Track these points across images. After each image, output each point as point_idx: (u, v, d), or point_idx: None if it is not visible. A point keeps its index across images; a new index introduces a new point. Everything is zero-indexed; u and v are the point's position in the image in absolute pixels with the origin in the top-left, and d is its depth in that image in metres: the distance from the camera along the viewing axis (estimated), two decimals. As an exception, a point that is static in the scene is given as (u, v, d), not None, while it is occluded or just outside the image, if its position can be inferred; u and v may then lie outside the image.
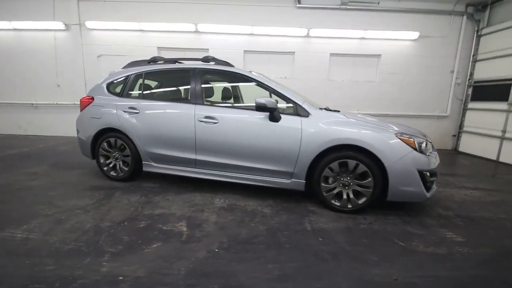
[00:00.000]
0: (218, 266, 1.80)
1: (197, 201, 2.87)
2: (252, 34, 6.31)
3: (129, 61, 3.67)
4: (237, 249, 2.00)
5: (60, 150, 5.20)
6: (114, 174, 3.41)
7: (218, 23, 6.17)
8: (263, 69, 5.61)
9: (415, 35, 6.23)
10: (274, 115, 2.72)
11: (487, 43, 6.02)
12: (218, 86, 3.73)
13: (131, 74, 3.41)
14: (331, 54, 6.43)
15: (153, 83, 3.58)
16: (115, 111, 3.30)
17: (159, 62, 3.47)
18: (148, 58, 3.55)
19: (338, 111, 2.94)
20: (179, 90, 3.57)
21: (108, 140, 3.36)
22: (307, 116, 2.72)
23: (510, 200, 3.30)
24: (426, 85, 6.54)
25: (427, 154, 2.57)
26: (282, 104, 2.87)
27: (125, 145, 3.29)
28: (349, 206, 2.66)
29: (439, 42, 6.33)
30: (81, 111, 3.58)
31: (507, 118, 5.37)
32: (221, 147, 2.91)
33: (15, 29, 6.34)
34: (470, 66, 6.39)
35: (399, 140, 2.50)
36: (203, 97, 3.09)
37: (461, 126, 6.60)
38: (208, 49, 6.35)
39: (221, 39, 6.34)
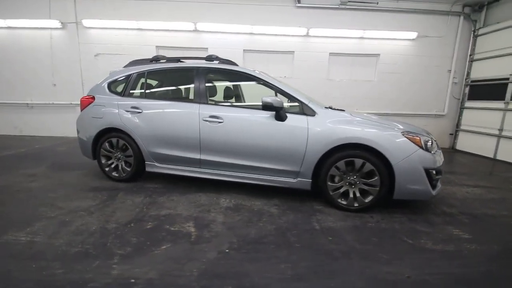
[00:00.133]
0: (230, 266, 1.78)
1: (202, 201, 2.84)
2: (251, 33, 6.29)
3: (128, 60, 3.62)
4: (248, 249, 1.98)
5: (58, 150, 5.11)
6: (116, 175, 3.35)
7: (217, 22, 6.13)
8: (263, 68, 5.54)
9: (413, 35, 6.29)
10: (280, 114, 2.71)
11: (484, 43, 6.11)
12: (220, 85, 3.70)
13: (133, 73, 3.36)
14: (330, 53, 6.45)
15: (155, 82, 3.54)
16: (117, 111, 3.25)
17: (161, 61, 3.42)
18: (150, 57, 3.50)
19: (343, 110, 2.94)
20: (182, 89, 3.54)
21: (110, 140, 3.30)
22: (313, 115, 2.72)
23: (510, 197, 3.35)
24: (424, 85, 6.61)
25: (433, 152, 2.58)
26: (285, 103, 2.85)
27: (128, 145, 3.24)
28: (356, 204, 2.66)
29: (436, 42, 6.40)
30: (81, 110, 3.51)
31: (503, 117, 5.45)
32: (226, 147, 2.88)
33: (9, 27, 6.19)
34: (467, 66, 6.48)
35: (406, 138, 2.51)
36: (207, 96, 3.07)
37: (458, 124, 6.69)
38: (207, 48, 6.31)
39: (221, 38, 6.30)
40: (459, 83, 6.61)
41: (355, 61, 6.57)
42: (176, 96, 3.55)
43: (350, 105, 6.40)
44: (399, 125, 2.73)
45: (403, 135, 2.53)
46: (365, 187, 2.62)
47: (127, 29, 6.20)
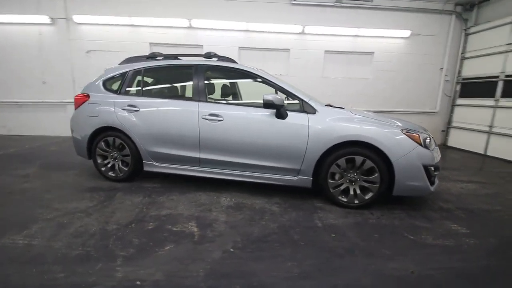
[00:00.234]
0: (236, 266, 1.77)
1: (203, 201, 2.81)
2: (247, 31, 6.24)
3: (121, 57, 3.54)
4: (252, 248, 1.97)
5: (49, 150, 4.97)
6: (113, 175, 3.29)
7: (212, 19, 6.06)
8: (258, 66, 5.51)
9: (406, 33, 6.37)
10: (281, 112, 2.70)
11: (475, 41, 6.23)
12: (219, 83, 3.66)
13: (129, 71, 3.29)
14: (325, 51, 6.47)
15: (153, 80, 3.48)
16: (113, 109, 3.17)
17: (158, 58, 3.36)
18: (144, 54, 3.44)
19: (343, 108, 2.95)
20: (180, 87, 3.49)
21: (106, 139, 3.23)
22: (314, 113, 2.72)
23: (502, 192, 3.44)
24: (417, 82, 6.71)
25: (431, 149, 2.63)
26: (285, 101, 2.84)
27: (124, 144, 3.18)
28: (356, 201, 2.69)
29: (429, 40, 6.50)
30: (75, 109, 3.42)
31: (493, 114, 5.59)
32: (226, 145, 2.86)
33: (-5, 23, 5.97)
34: (458, 64, 6.61)
35: (405, 136, 2.55)
36: (206, 94, 3.03)
37: (449, 121, 6.83)
38: (202, 46, 6.24)
39: (216, 35, 6.23)
40: (450, 81, 6.75)
41: (350, 59, 6.61)
42: (174, 94, 3.49)
43: (345, 103, 6.35)
44: (397, 122, 2.76)
45: (402, 132, 2.56)
46: (365, 184, 2.65)
47: (120, 25, 6.06)
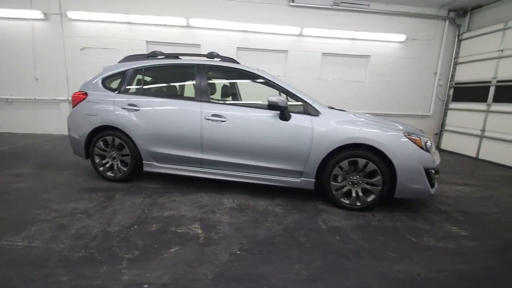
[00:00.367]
0: (244, 268, 1.75)
1: (205, 202, 2.78)
2: (245, 31, 6.23)
3: (117, 55, 3.53)
4: (259, 251, 1.96)
5: (42, 149, 4.84)
6: (111, 175, 3.22)
7: (211, 19, 6.02)
8: (256, 67, 5.53)
9: (402, 37, 6.48)
10: (284, 113, 2.70)
11: (467, 47, 6.40)
12: (220, 83, 3.64)
13: (130, 69, 3.23)
14: (323, 53, 6.52)
15: (154, 79, 3.42)
16: (112, 108, 3.11)
17: (159, 57, 3.31)
18: (141, 52, 3.39)
19: (344, 111, 2.98)
20: (183, 87, 3.44)
21: (104, 139, 3.16)
22: (317, 115, 2.73)
23: (497, 194, 3.53)
24: (412, 86, 6.84)
25: (432, 152, 2.67)
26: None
27: (124, 143, 3.12)
28: (358, 204, 2.71)
29: (424, 45, 6.63)
30: (73, 107, 3.33)
31: (485, 118, 5.74)
32: (229, 146, 2.84)
33: (-15, 17, 5.78)
34: (451, 68, 6.77)
35: (407, 139, 2.58)
36: (209, 95, 3.00)
37: (442, 125, 6.98)
38: (200, 45, 6.20)
39: (214, 35, 6.19)
40: (444, 85, 6.90)
41: (347, 61, 6.68)
42: (176, 94, 3.45)
43: (342, 105, 6.44)
44: (398, 125, 2.80)
45: (404, 136, 2.60)
46: (368, 187, 2.67)
47: (116, 22, 5.96)
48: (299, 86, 6.21)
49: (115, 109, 3.10)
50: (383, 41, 6.55)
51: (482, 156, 5.76)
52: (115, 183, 3.19)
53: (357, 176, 2.68)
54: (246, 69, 2.99)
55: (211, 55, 3.20)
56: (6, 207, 2.48)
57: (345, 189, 2.72)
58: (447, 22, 6.58)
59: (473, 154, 5.93)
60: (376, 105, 6.78)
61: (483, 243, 2.25)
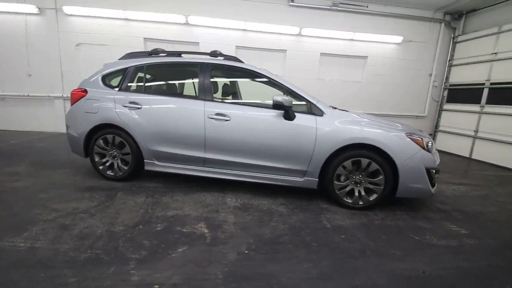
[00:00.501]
0: (253, 268, 1.76)
1: (208, 201, 2.77)
2: (244, 30, 6.20)
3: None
4: (267, 250, 1.97)
5: (37, 147, 4.73)
6: (112, 174, 3.17)
7: (210, 17, 5.97)
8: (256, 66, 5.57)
9: (399, 39, 6.57)
10: (289, 113, 2.71)
11: (462, 49, 6.52)
12: (222, 82, 3.61)
13: (131, 66, 3.18)
14: (321, 53, 6.55)
15: (156, 77, 3.38)
16: (113, 106, 3.06)
17: (161, 54, 3.27)
18: (139, 49, 3.34)
19: (347, 111, 3.00)
20: (186, 85, 3.41)
21: (104, 137, 3.11)
22: (321, 115, 2.75)
23: (493, 194, 3.63)
24: (408, 87, 6.94)
25: (432, 152, 2.72)
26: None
27: (125, 142, 3.07)
28: (361, 203, 2.74)
29: (420, 47, 6.74)
30: (71, 104, 3.26)
31: (479, 119, 5.87)
32: (233, 145, 2.83)
33: (-24, 10, 5.60)
34: (446, 70, 6.89)
35: (410, 139, 2.62)
36: (212, 94, 2.98)
37: (437, 125, 7.11)
38: (198, 43, 6.15)
39: (213, 33, 6.15)
40: (439, 87, 7.03)
41: (345, 62, 6.73)
42: (179, 92, 3.41)
43: (340, 105, 6.54)
44: (399, 125, 2.84)
45: (407, 136, 2.64)
46: (370, 186, 2.70)
47: (113, 18, 5.85)
48: (298, 86, 6.24)
49: (115, 107, 3.05)
50: (380, 42, 6.62)
51: (475, 156, 5.89)
52: (115, 182, 3.15)
53: (360, 176, 2.71)
54: (251, 69, 2.99)
55: (214, 54, 3.18)
56: (4, 207, 2.42)
57: (347, 189, 2.75)
58: (442, 24, 6.70)
59: (467, 154, 6.07)
60: (374, 105, 6.86)
61: (483, 241, 2.31)
